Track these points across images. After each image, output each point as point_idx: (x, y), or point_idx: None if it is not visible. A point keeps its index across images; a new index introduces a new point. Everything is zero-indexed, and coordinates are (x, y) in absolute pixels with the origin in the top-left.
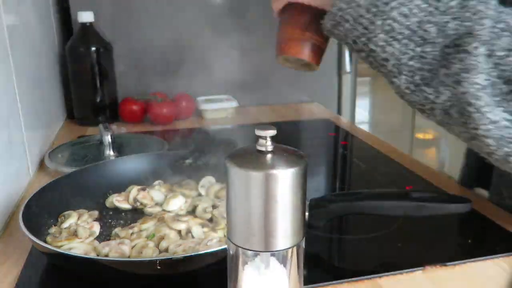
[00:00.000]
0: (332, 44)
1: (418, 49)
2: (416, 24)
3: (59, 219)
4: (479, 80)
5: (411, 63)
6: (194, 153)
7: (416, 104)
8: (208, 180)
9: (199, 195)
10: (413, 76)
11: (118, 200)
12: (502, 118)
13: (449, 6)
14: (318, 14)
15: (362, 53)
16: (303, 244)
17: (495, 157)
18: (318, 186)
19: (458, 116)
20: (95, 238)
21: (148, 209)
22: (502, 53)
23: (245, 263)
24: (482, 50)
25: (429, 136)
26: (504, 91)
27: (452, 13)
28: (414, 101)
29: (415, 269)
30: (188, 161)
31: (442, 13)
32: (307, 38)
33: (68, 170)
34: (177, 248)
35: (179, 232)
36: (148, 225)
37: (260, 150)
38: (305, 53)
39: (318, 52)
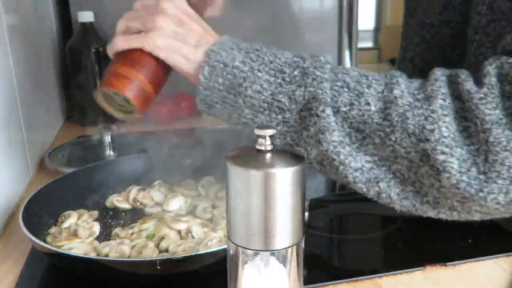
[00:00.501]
0: (332, 43)
1: (279, 116)
2: (270, 97)
3: (59, 219)
4: (335, 138)
5: (279, 128)
6: (194, 153)
7: None
8: (208, 180)
9: (199, 195)
10: (285, 138)
11: (118, 200)
12: (365, 162)
13: (293, 76)
14: (157, 64)
15: (239, 125)
16: (302, 244)
17: (369, 196)
18: (318, 186)
19: (330, 168)
20: (95, 238)
21: (148, 209)
22: (345, 108)
23: (245, 262)
24: (328, 111)
25: None
26: (359, 138)
27: (296, 81)
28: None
29: (415, 269)
30: (188, 161)
31: (288, 83)
32: (140, 81)
33: (68, 170)
34: (177, 248)
35: (179, 232)
36: (148, 225)
37: (260, 150)
38: (133, 94)
39: (145, 100)
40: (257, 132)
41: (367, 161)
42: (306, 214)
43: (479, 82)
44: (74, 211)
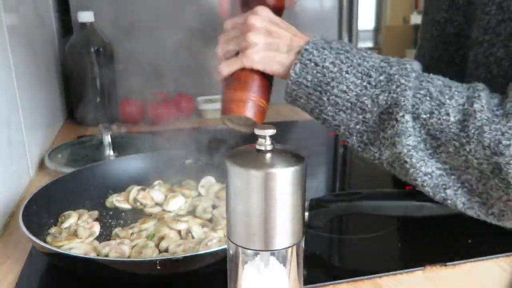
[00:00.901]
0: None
1: (360, 116)
2: (354, 97)
3: (59, 219)
4: (410, 142)
5: (358, 127)
6: (194, 153)
7: (368, 159)
8: (208, 180)
9: (199, 195)
10: (361, 137)
11: (118, 200)
12: (435, 169)
13: (378, 80)
14: (261, 77)
15: (319, 120)
16: (302, 244)
17: (435, 199)
18: (318, 186)
19: (400, 169)
20: (95, 238)
21: (148, 209)
22: (425, 116)
23: (245, 262)
24: (407, 117)
25: None
26: (434, 145)
27: (381, 86)
28: (366, 156)
29: (415, 269)
30: (188, 161)
31: (373, 87)
32: (252, 99)
33: (68, 170)
34: (177, 248)
35: (179, 232)
36: (148, 225)
37: (260, 150)
38: (251, 112)
39: (262, 112)
40: (257, 132)
41: (438, 168)
42: (306, 214)
43: None
44: (74, 211)
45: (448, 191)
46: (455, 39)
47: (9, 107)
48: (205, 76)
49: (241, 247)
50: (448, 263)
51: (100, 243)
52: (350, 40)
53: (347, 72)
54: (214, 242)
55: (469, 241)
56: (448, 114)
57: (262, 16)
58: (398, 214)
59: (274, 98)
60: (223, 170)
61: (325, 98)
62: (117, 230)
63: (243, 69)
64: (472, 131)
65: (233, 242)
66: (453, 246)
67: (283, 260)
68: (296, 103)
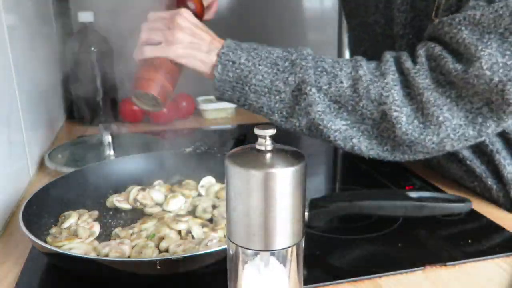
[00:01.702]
0: (332, 43)
1: (277, 97)
2: (269, 83)
3: (59, 219)
4: (319, 109)
5: (277, 105)
6: (194, 143)
7: (290, 129)
8: (208, 180)
9: (199, 195)
10: (281, 113)
11: (118, 200)
12: (341, 125)
13: (285, 66)
14: (173, 67)
15: (245, 106)
16: (302, 244)
17: (345, 150)
18: (318, 186)
19: (316, 132)
20: (95, 238)
21: (148, 209)
22: (326, 87)
23: (245, 262)
24: (313, 90)
25: None
26: (336, 108)
27: (288, 70)
28: (288, 127)
29: (415, 269)
30: (188, 149)
31: (282, 72)
32: (161, 81)
33: (68, 170)
34: (177, 248)
35: (179, 232)
36: (148, 225)
37: (260, 149)
38: (158, 92)
39: (165, 94)
40: (257, 132)
41: (343, 124)
42: (306, 214)
43: (414, 61)
44: (74, 211)
45: (354, 140)
46: (382, 38)
47: (9, 107)
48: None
49: (241, 247)
50: (448, 263)
51: (100, 243)
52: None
53: (259, 65)
54: (214, 242)
55: (469, 241)
56: (342, 82)
57: (187, 18)
58: (398, 214)
59: None
60: (223, 170)
61: (247, 88)
62: (117, 230)
63: (160, 57)
64: (362, 91)
65: (233, 242)
66: (453, 246)
67: (283, 260)
68: (224, 96)
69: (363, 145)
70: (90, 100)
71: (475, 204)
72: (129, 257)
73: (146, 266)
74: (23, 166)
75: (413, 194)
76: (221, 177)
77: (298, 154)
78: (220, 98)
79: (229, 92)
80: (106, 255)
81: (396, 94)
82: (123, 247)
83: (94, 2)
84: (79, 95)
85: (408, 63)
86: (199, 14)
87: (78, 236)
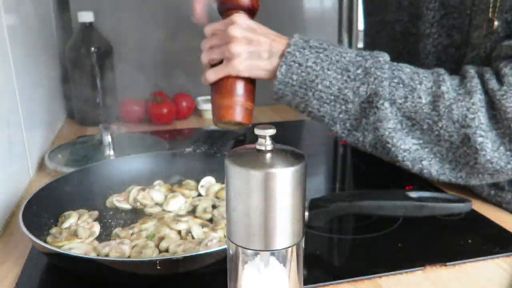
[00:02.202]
0: (333, 42)
1: (343, 107)
2: (337, 91)
3: (60, 219)
4: (390, 125)
5: (341, 116)
6: (194, 143)
7: (352, 143)
8: (208, 180)
9: (199, 195)
10: (344, 124)
11: (118, 200)
12: (412, 145)
13: (357, 74)
14: (245, 82)
15: (305, 113)
16: (302, 244)
17: (413, 171)
18: (318, 186)
19: (382, 150)
20: (95, 238)
21: (148, 209)
22: (401, 101)
23: (245, 262)
24: (386, 104)
25: None
26: (409, 125)
27: (360, 79)
28: (350, 141)
29: (415, 269)
30: (188, 149)
31: (353, 80)
32: (239, 104)
33: (68, 170)
34: (177, 248)
35: (179, 232)
36: (148, 225)
37: (260, 150)
38: (239, 116)
39: (249, 114)
40: (257, 132)
41: (414, 144)
42: (306, 214)
43: (499, 81)
44: (74, 211)
45: (424, 162)
46: (402, 37)
47: (9, 107)
48: None
49: (241, 247)
50: (448, 263)
51: (100, 243)
52: (350, 40)
53: (328, 69)
54: (214, 242)
55: (469, 241)
56: (420, 97)
57: (240, 25)
58: (398, 214)
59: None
60: (223, 170)
61: (310, 94)
62: (117, 230)
63: (228, 76)
64: (443, 109)
65: (233, 242)
66: (453, 246)
67: (283, 260)
68: (283, 100)
69: (434, 168)
70: (90, 100)
71: (475, 204)
72: (129, 257)
73: (146, 266)
74: (23, 166)
75: (413, 194)
76: (221, 177)
77: (298, 154)
78: (277, 101)
79: (288, 97)
80: (106, 255)
81: (482, 117)
82: (123, 247)
83: (94, 2)
84: (79, 95)
85: (493, 83)
86: (253, 10)
87: (78, 236)
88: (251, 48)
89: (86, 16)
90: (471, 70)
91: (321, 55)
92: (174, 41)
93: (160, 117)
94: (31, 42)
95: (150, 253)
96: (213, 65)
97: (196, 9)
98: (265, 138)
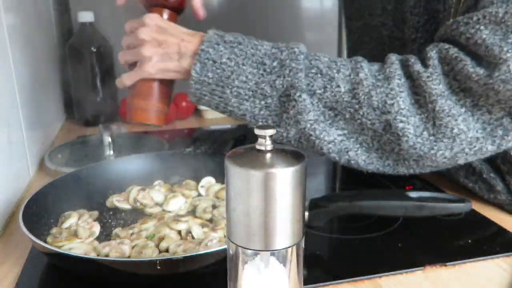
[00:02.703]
0: (332, 43)
1: (262, 102)
2: (254, 86)
3: (60, 219)
4: (310, 117)
5: (262, 112)
6: (195, 142)
7: (277, 139)
8: (208, 180)
9: (199, 195)
10: (267, 121)
11: (118, 200)
12: (336, 136)
13: (272, 67)
14: (159, 84)
15: (226, 113)
16: (302, 244)
17: (340, 163)
18: (318, 186)
19: (307, 143)
20: (95, 238)
21: (148, 209)
22: (320, 91)
23: (245, 262)
24: (304, 96)
25: None
26: (332, 115)
27: (276, 72)
28: (274, 138)
29: (415, 269)
30: (188, 149)
31: (269, 73)
32: (153, 106)
33: (68, 170)
34: (177, 248)
35: (179, 232)
36: (148, 225)
37: (260, 149)
38: (151, 119)
39: (161, 116)
40: (257, 132)
41: (338, 135)
42: (306, 214)
43: (424, 64)
44: (74, 211)
45: (350, 153)
46: (389, 40)
47: (9, 107)
48: None
49: (241, 247)
50: (448, 263)
51: (100, 243)
52: None
53: (243, 64)
54: (214, 242)
55: (469, 241)
56: (339, 86)
57: (150, 27)
58: (398, 214)
59: None
60: (223, 170)
61: (228, 91)
62: (117, 230)
63: (142, 80)
64: (362, 97)
65: (233, 242)
66: (453, 246)
67: (283, 260)
68: (202, 101)
69: (361, 158)
70: (90, 100)
71: (475, 204)
72: (129, 257)
73: (146, 266)
74: (23, 166)
75: (413, 194)
76: (221, 177)
77: (298, 154)
78: (196, 103)
79: (206, 97)
80: (106, 255)
81: (402, 102)
82: (123, 247)
83: (94, 2)
84: (79, 95)
85: (418, 66)
86: (181, 6)
87: (78, 236)
88: (161, 50)
89: (86, 16)
90: (392, 57)
91: (235, 49)
92: None
93: None
94: (31, 42)
95: (150, 253)
96: (130, 65)
97: None
98: (265, 138)
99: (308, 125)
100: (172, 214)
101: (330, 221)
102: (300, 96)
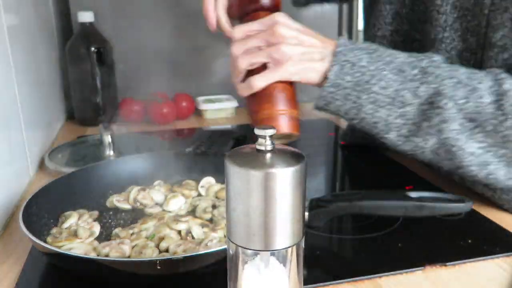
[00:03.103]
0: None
1: (400, 110)
2: (394, 92)
3: (60, 219)
4: (455, 126)
5: (397, 121)
6: (195, 142)
7: (408, 151)
8: (208, 180)
9: (199, 195)
10: (400, 130)
11: (118, 200)
12: (476, 148)
13: (413, 74)
14: (288, 87)
15: (355, 120)
16: (302, 244)
17: (477, 178)
18: (318, 186)
19: (445, 155)
20: (95, 238)
21: (148, 209)
22: (462, 101)
23: (245, 262)
24: (450, 104)
25: None
26: (471, 127)
27: (418, 79)
28: (406, 149)
29: (415, 269)
30: (188, 149)
31: (410, 81)
32: (284, 113)
33: (68, 170)
34: (177, 248)
35: (179, 232)
36: (148, 225)
37: (260, 149)
38: (287, 127)
39: (296, 122)
40: (257, 132)
41: (477, 148)
42: (306, 214)
43: None
44: (74, 211)
45: (489, 167)
46: (403, 45)
47: (9, 107)
48: (205, 76)
49: (241, 247)
50: (448, 263)
51: (100, 243)
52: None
53: (383, 69)
54: (214, 242)
55: (469, 241)
56: (481, 97)
57: (288, 25)
58: (398, 214)
59: None
60: (223, 170)
61: (364, 97)
62: (117, 230)
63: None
64: (508, 108)
65: (233, 242)
66: (453, 246)
67: (283, 260)
68: (330, 106)
69: (500, 173)
70: (90, 100)
71: (475, 204)
72: (129, 257)
73: (146, 266)
74: (23, 166)
75: (413, 194)
76: (221, 177)
77: (298, 154)
78: (320, 109)
79: (338, 102)
80: (106, 255)
81: None
82: (123, 247)
83: (94, 2)
84: (79, 95)
85: None
86: (279, 7)
87: (78, 236)
88: (303, 49)
89: (86, 16)
90: None
91: (373, 55)
92: (174, 41)
93: (160, 117)
94: (31, 42)
95: (150, 253)
96: (250, 71)
97: (207, 13)
98: (265, 138)
99: (452, 135)
100: (172, 214)
101: (330, 221)
102: (446, 103)
